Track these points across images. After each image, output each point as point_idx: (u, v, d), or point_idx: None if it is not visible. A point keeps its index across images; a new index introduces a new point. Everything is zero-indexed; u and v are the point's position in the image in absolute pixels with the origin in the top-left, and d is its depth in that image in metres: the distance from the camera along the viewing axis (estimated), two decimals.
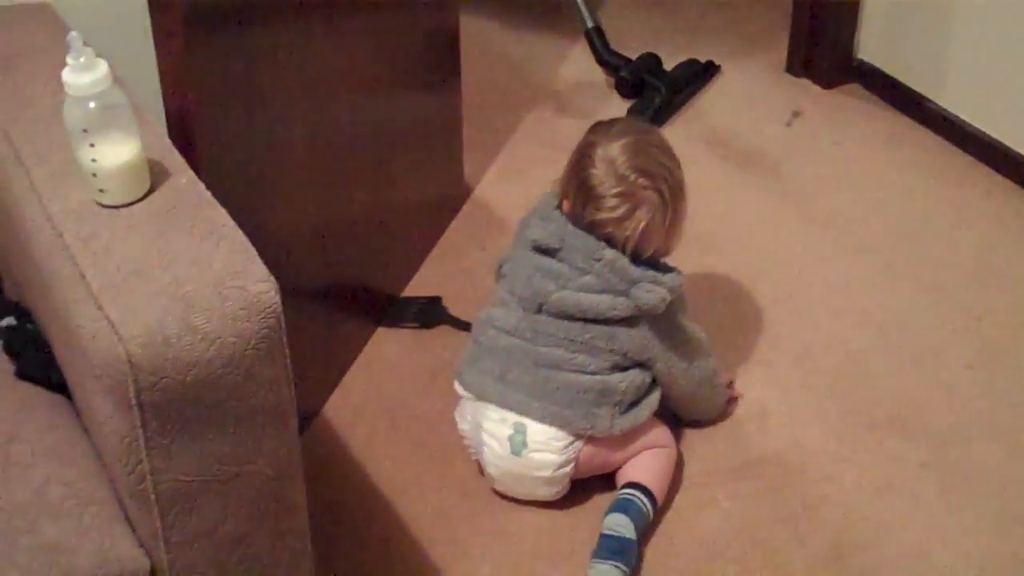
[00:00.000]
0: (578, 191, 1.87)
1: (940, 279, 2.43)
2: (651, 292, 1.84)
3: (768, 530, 1.93)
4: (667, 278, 1.88)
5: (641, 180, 1.85)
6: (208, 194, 1.48)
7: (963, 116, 2.77)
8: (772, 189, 2.70)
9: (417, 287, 2.43)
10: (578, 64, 3.18)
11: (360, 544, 1.93)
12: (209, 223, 1.43)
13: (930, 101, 2.83)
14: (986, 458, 2.04)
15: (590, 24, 3.12)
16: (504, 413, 1.90)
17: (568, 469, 1.90)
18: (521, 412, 1.89)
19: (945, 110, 2.80)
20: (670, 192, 1.87)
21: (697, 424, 2.10)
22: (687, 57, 3.07)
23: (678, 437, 2.06)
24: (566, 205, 1.90)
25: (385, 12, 2.22)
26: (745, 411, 2.15)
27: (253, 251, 1.39)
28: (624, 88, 2.98)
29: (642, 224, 1.85)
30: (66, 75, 1.38)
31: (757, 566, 1.87)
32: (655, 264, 1.90)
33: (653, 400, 1.96)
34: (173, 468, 1.36)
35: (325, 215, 2.14)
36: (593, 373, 1.88)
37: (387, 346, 2.29)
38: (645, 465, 1.94)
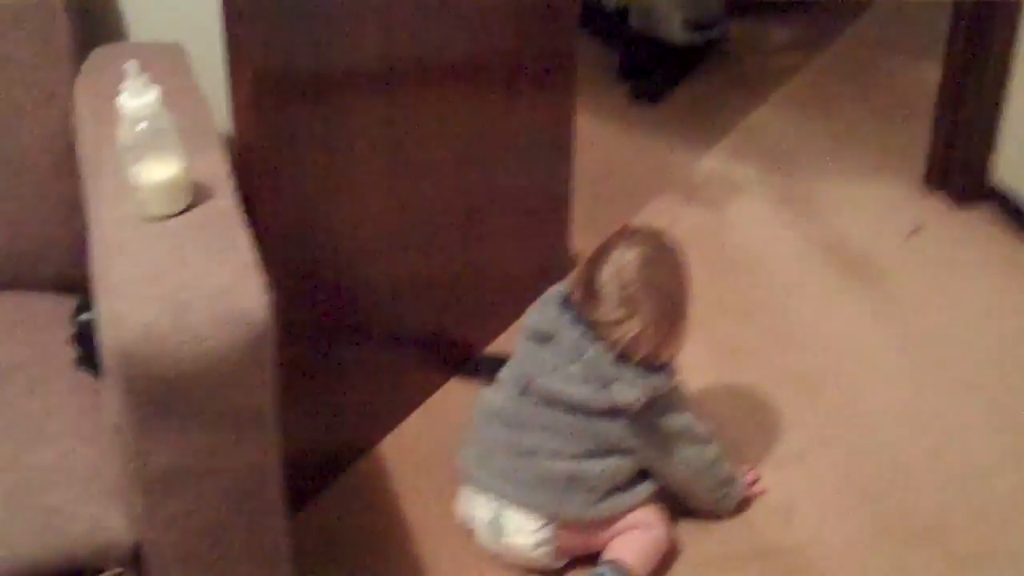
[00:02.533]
0: (585, 286, 1.99)
1: (1011, 406, 2.42)
2: (627, 390, 1.94)
3: None
4: (652, 378, 1.97)
5: (643, 292, 1.96)
6: (239, 218, 1.66)
7: None
8: (870, 299, 2.74)
9: (502, 346, 2.55)
10: (719, 160, 3.27)
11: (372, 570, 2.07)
12: (227, 242, 1.61)
13: None
14: None
15: None
16: (485, 499, 2.03)
17: (546, 549, 2.01)
18: (498, 497, 2.01)
19: None
20: (668, 310, 1.98)
21: (714, 515, 2.17)
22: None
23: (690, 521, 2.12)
24: (575, 295, 2.01)
25: (485, 81, 2.37)
26: (772, 504, 2.20)
27: (257, 271, 1.56)
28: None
29: (633, 332, 1.95)
30: (121, 98, 1.58)
31: None
32: (646, 364, 1.97)
33: (642, 489, 2.05)
34: (157, 452, 1.53)
35: (406, 270, 2.30)
36: (567, 459, 1.98)
37: (457, 397, 2.42)
38: (626, 543, 2.02)
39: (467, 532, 2.10)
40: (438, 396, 2.42)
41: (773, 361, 2.53)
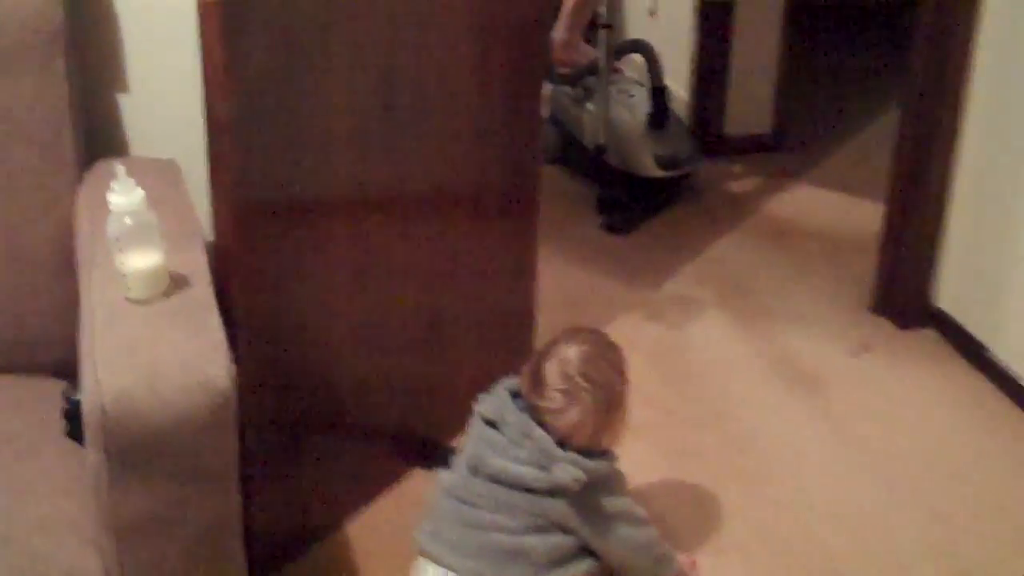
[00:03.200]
0: (531, 377, 2.20)
1: (935, 506, 2.60)
2: (566, 471, 2.12)
3: None
4: (591, 463, 2.15)
5: (584, 384, 2.16)
6: (212, 302, 1.88)
7: (1015, 368, 2.94)
8: (814, 409, 2.94)
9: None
10: (682, 284, 3.51)
11: None
12: (199, 324, 1.83)
13: (987, 350, 3.02)
14: None
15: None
16: (436, 569, 2.20)
17: None
18: (448, 568, 2.18)
19: (1000, 361, 2.98)
20: (606, 402, 2.18)
21: None
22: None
23: None
24: (522, 385, 2.22)
25: (450, 206, 2.61)
26: None
27: (225, 349, 1.77)
28: None
29: (573, 420, 2.15)
30: (110, 195, 1.82)
31: None
32: (587, 451, 2.16)
33: (582, 566, 2.20)
34: (129, 504, 1.73)
35: (372, 369, 2.52)
36: (511, 533, 2.15)
37: (422, 484, 2.61)
38: None
39: None
40: (404, 483, 2.60)
41: (720, 462, 2.72)
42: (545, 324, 2.87)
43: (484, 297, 2.75)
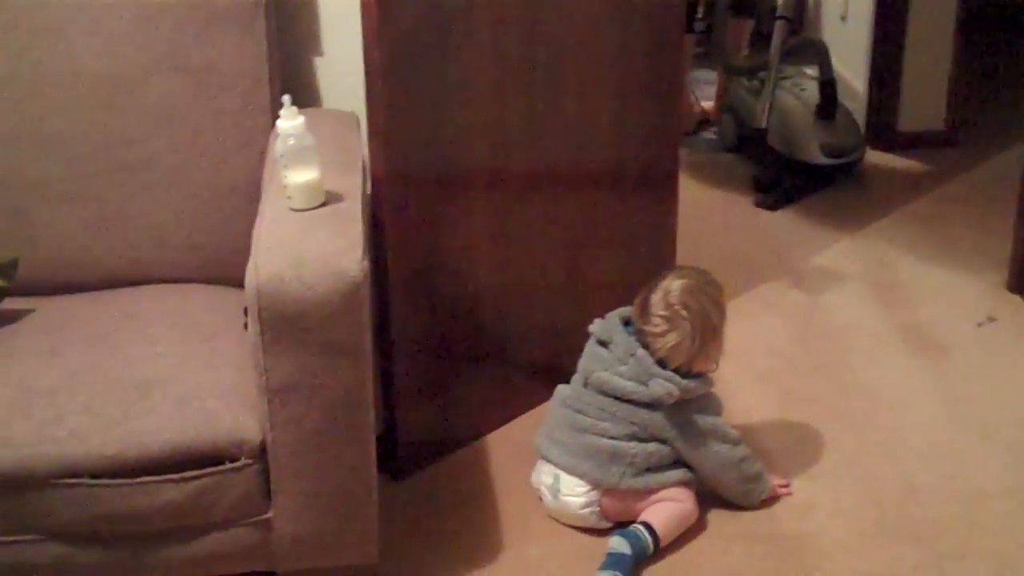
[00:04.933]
0: (639, 305, 2.54)
1: None
2: (661, 386, 2.46)
3: None
4: (685, 382, 2.48)
5: (682, 312, 2.49)
6: (358, 214, 2.27)
7: None
8: (930, 368, 3.17)
9: None
10: (831, 257, 3.77)
11: (455, 511, 2.63)
12: (344, 228, 2.22)
13: None
14: (970, 572, 2.45)
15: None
16: (549, 467, 2.57)
17: (591, 509, 2.53)
18: (558, 465, 2.55)
19: None
20: (702, 329, 2.50)
21: (741, 506, 2.64)
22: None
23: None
24: (633, 312, 2.56)
25: (588, 186, 2.95)
26: (794, 503, 2.66)
27: (360, 248, 2.15)
28: None
29: (671, 343, 2.49)
30: (278, 121, 2.25)
31: None
32: (684, 372, 2.50)
33: (675, 473, 2.54)
34: (277, 369, 2.14)
35: (510, 309, 2.89)
36: (611, 438, 2.50)
37: None
38: (655, 510, 2.52)
39: (537, 497, 2.62)
40: (541, 408, 2.95)
41: (828, 406, 2.99)
42: None
43: (622, 257, 3.06)
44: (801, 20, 4.34)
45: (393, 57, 2.43)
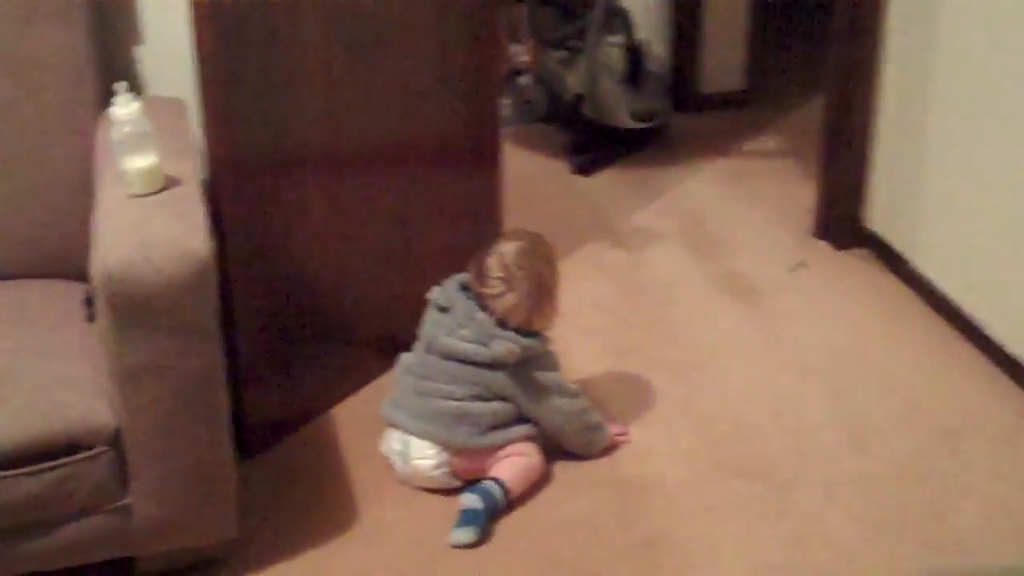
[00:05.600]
0: (476, 269, 2.64)
1: (843, 385, 3.01)
2: (502, 346, 2.56)
3: (604, 523, 2.56)
4: (524, 340, 2.59)
5: (518, 273, 2.60)
6: (198, 197, 2.31)
7: (929, 275, 3.33)
8: (748, 313, 3.35)
9: None
10: (647, 217, 3.94)
11: (308, 485, 2.69)
12: (186, 211, 2.25)
13: (908, 262, 3.42)
14: (804, 498, 2.62)
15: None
16: (398, 433, 2.65)
17: (442, 471, 2.61)
18: (406, 430, 2.63)
19: (917, 269, 3.37)
20: (537, 288, 2.61)
21: (584, 456, 2.76)
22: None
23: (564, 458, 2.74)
24: (469, 276, 2.65)
25: (415, 159, 3.02)
26: (634, 449, 2.79)
27: (205, 229, 2.20)
28: None
29: (509, 303, 2.59)
30: (112, 108, 2.27)
31: (586, 543, 2.51)
32: (523, 331, 2.60)
33: (519, 429, 2.64)
34: (129, 353, 2.16)
35: (348, 284, 2.94)
36: (457, 400, 2.60)
37: None
38: (503, 465, 2.62)
39: (388, 465, 2.70)
40: (383, 378, 3.02)
41: (656, 355, 3.14)
42: None
43: (452, 228, 3.14)
44: None
45: (223, 42, 2.46)
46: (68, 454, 2.20)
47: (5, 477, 2.16)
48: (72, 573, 2.33)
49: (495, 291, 2.61)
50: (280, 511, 2.61)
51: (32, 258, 2.66)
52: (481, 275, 2.63)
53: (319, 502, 2.64)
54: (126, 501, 2.27)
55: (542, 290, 2.63)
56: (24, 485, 2.18)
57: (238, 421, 2.73)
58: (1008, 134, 2.91)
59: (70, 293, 2.58)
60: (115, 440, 2.23)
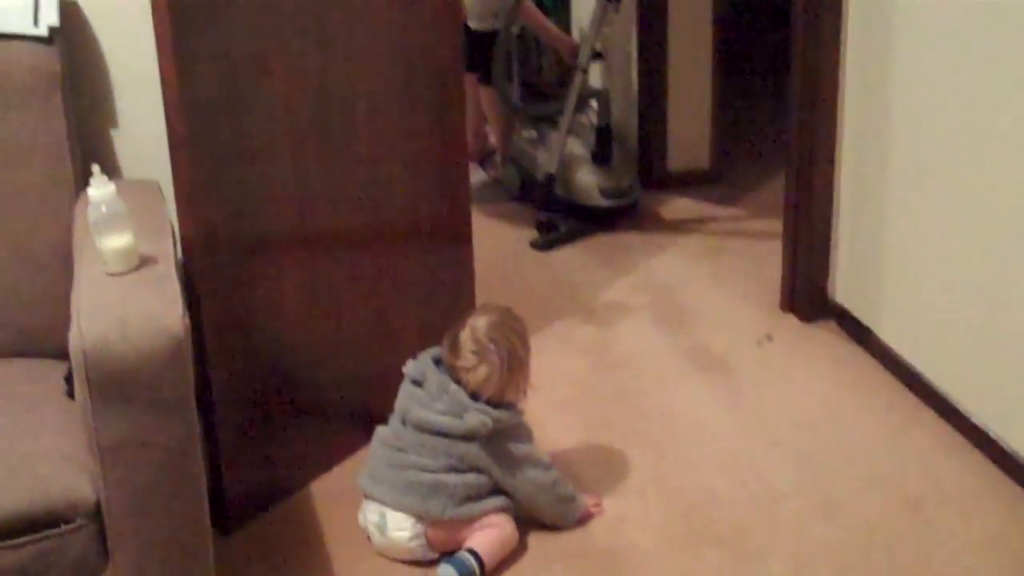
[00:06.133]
0: (449, 343, 2.70)
1: (810, 456, 3.06)
2: (475, 417, 2.62)
3: None
4: (496, 412, 2.65)
5: (490, 346, 2.66)
6: (173, 275, 2.35)
7: (892, 345, 3.40)
8: (717, 386, 3.41)
9: None
10: (619, 292, 4.01)
11: (286, 560, 2.72)
12: (161, 288, 2.30)
13: (872, 333, 3.49)
14: (774, 567, 2.67)
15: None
16: (375, 505, 2.70)
17: (419, 542, 2.65)
18: (383, 503, 2.68)
19: (882, 339, 3.44)
20: (509, 361, 2.67)
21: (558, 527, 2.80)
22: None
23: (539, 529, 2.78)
24: (442, 350, 2.71)
25: (388, 237, 3.08)
26: (607, 520, 2.84)
27: (180, 307, 2.24)
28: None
29: (482, 376, 2.65)
30: (89, 189, 2.33)
31: None
32: (495, 403, 2.66)
33: (490, 502, 2.69)
34: (107, 428, 2.20)
35: (325, 360, 2.99)
36: (432, 472, 2.64)
37: None
38: (478, 537, 2.66)
39: (365, 538, 2.73)
40: (361, 452, 3.04)
41: (628, 428, 3.20)
42: None
43: (425, 305, 3.20)
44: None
45: (195, 126, 2.54)
46: (49, 527, 2.22)
47: None
48: None
49: (468, 364, 2.66)
50: None
51: (14, 339, 2.69)
52: (454, 348, 2.68)
53: None
54: (105, 575, 2.29)
55: (514, 363, 2.69)
56: (6, 558, 2.20)
57: (217, 497, 2.78)
58: (964, 206, 2.99)
59: (51, 371, 2.62)
60: (95, 514, 2.25)
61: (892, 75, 3.24)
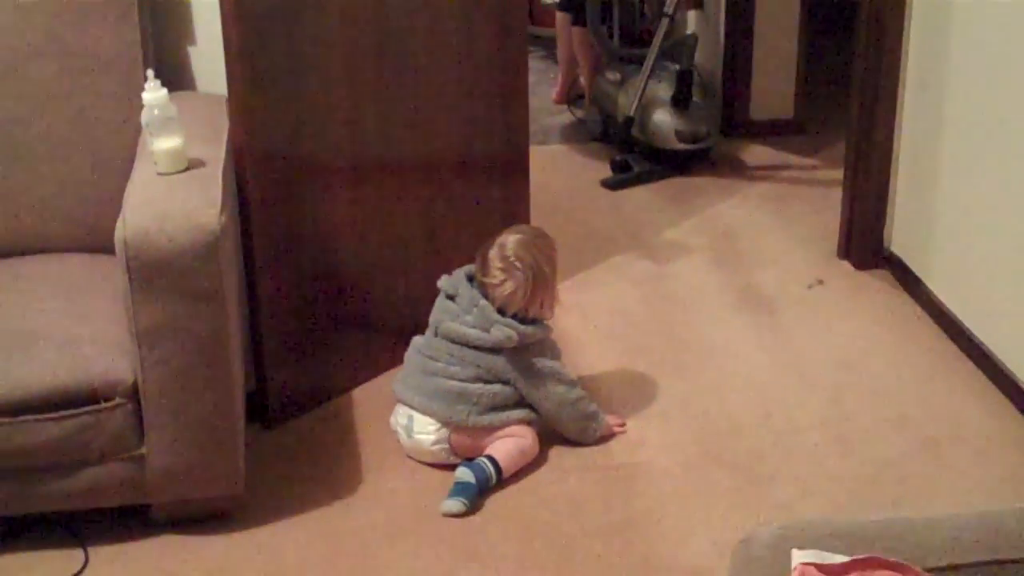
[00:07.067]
0: (480, 260, 2.83)
1: (838, 398, 3.13)
2: (501, 331, 2.75)
3: (588, 503, 2.73)
4: (523, 327, 2.77)
5: (517, 264, 2.78)
6: (218, 178, 2.53)
7: (940, 296, 3.45)
8: (760, 324, 3.49)
9: None
10: (681, 232, 4.11)
11: (320, 455, 2.89)
12: (205, 188, 2.48)
13: (922, 283, 3.53)
14: (780, 492, 2.76)
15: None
16: (405, 408, 2.85)
17: (442, 446, 2.80)
18: (411, 406, 2.83)
19: (931, 290, 3.49)
20: (535, 278, 2.79)
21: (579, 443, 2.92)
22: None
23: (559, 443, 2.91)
24: (475, 266, 2.85)
25: (440, 172, 3.22)
26: (628, 439, 2.96)
27: (218, 206, 2.42)
28: None
29: (508, 291, 2.78)
30: (143, 94, 2.51)
31: (566, 519, 2.68)
32: (522, 318, 2.79)
33: (515, 414, 2.82)
34: (145, 315, 2.39)
35: (373, 273, 3.15)
36: (459, 380, 2.78)
37: None
38: (499, 445, 2.80)
39: (395, 440, 2.89)
40: None
41: (664, 357, 3.30)
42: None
43: (477, 230, 3.26)
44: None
45: (249, 41, 2.69)
46: (90, 403, 2.43)
47: (33, 421, 2.41)
48: (92, 516, 2.57)
49: (495, 280, 2.80)
50: (292, 475, 2.82)
51: (80, 235, 2.88)
52: (484, 265, 2.82)
53: (328, 470, 2.84)
54: (141, 451, 2.50)
55: (539, 281, 2.81)
56: (49, 430, 2.42)
57: (261, 394, 2.97)
58: (1020, 160, 3.01)
59: (108, 266, 2.81)
60: (132, 394, 2.46)
61: (951, 32, 3.28)
